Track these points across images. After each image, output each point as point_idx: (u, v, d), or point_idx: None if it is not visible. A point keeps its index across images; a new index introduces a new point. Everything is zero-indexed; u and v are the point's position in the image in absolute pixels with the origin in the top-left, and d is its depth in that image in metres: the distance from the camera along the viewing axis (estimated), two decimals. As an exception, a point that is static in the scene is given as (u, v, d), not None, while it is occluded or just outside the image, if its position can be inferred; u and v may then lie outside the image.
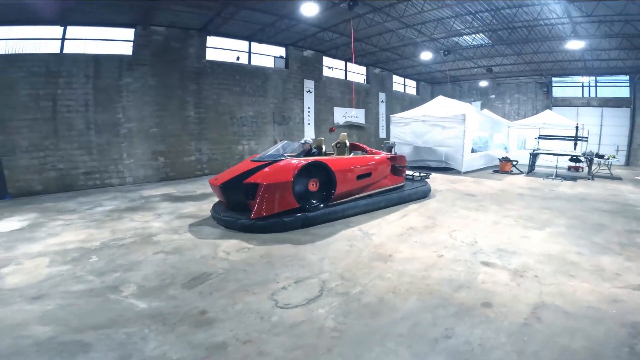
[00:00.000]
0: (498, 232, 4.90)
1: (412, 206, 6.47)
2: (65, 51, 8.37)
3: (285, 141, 6.39)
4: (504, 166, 11.30)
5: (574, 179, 10.05)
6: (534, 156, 10.99)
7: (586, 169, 10.64)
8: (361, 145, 7.23)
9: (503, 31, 10.28)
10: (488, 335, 2.38)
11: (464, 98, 18.32)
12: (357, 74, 15.99)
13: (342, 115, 14.76)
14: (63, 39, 8.41)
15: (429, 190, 7.38)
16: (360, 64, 15.60)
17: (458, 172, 10.78)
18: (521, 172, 11.12)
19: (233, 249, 4.12)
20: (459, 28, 10.32)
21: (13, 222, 5.42)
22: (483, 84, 17.62)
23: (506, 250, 4.16)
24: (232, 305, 2.77)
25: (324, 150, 6.67)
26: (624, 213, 6.21)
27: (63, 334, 2.39)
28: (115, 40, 9.06)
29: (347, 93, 15.24)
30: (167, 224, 5.22)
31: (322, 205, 5.12)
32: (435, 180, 9.26)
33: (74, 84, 8.37)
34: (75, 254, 3.97)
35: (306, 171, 4.99)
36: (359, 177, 5.90)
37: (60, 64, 8.21)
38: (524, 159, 11.49)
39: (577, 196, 7.67)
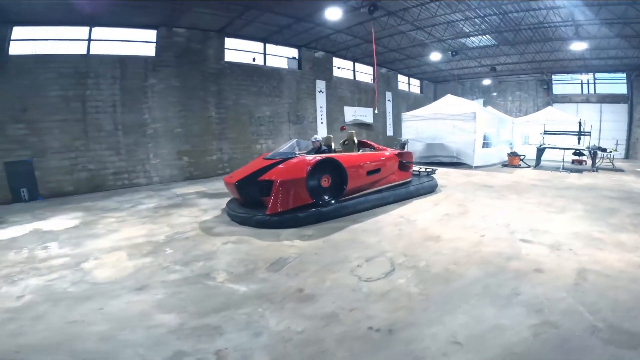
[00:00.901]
0: (525, 216, 5.47)
1: (439, 196, 7.04)
2: (91, 52, 8.66)
3: (296, 139, 6.61)
4: (513, 160, 11.98)
5: (579, 171, 10.75)
6: (540, 151, 11.68)
7: (589, 162, 11.37)
8: (369, 142, 7.48)
9: (509, 33, 10.98)
10: (549, 292, 2.92)
11: (466, 96, 19.02)
12: (364, 73, 16.57)
13: (352, 114, 15.32)
14: (89, 39, 8.67)
15: (436, 185, 7.60)
16: (367, 64, 16.19)
17: (469, 167, 11.41)
18: (529, 166, 11.81)
19: (293, 237, 4.56)
20: (467, 30, 10.98)
21: (63, 221, 5.72)
22: (486, 82, 18.39)
23: (537, 230, 4.73)
24: (321, 282, 3.21)
25: (333, 147, 6.88)
26: (631, 200, 6.84)
27: (189, 320, 2.55)
28: (137, 42, 9.37)
29: (356, 92, 15.82)
30: (218, 218, 5.63)
31: (333, 201, 5.30)
32: (451, 174, 9.86)
33: (101, 85, 8.69)
34: (149, 247, 4.25)
35: (319, 168, 5.16)
36: (369, 173, 6.10)
37: (88, 65, 8.52)
38: (527, 154, 12.20)
39: (585, 186, 8.32)
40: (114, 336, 2.35)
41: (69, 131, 8.34)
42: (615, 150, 11.74)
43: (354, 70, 15.82)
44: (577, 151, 11.38)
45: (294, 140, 6.45)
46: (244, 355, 2.09)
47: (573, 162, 12.62)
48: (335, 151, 6.75)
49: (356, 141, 6.99)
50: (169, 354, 2.14)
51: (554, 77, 16.41)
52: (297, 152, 5.86)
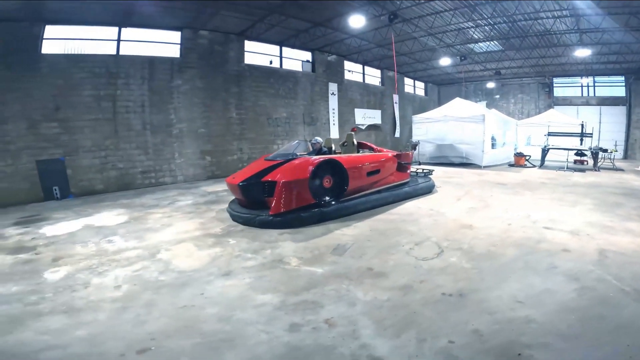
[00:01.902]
0: (542, 209, 6.09)
1: (459, 192, 7.63)
2: (121, 52, 9.02)
3: (297, 141, 6.82)
4: (519, 160, 12.68)
5: (582, 170, 11.47)
6: (545, 151, 12.40)
7: (591, 162, 12.12)
8: (368, 144, 7.68)
9: (515, 39, 11.71)
10: (579, 265, 3.49)
11: (469, 98, 19.75)
12: (373, 76, 17.21)
13: (361, 116, 15.92)
14: (119, 40, 9.04)
15: (433, 185, 7.83)
16: (376, 67, 16.85)
17: (478, 167, 12.07)
18: (534, 166, 12.51)
19: (340, 227, 5.08)
20: (476, 36, 11.67)
21: (110, 217, 6.06)
22: (490, 85, 19.18)
23: (556, 220, 5.33)
24: (384, 262, 3.72)
25: (333, 149, 6.97)
26: (634, 195, 7.51)
27: (286, 298, 2.88)
28: (163, 43, 9.75)
29: (365, 95, 16.45)
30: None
31: (334, 202, 5.45)
32: (464, 174, 10.51)
33: (131, 85, 9.10)
34: (211, 239, 4.58)
35: (321, 168, 5.29)
36: (369, 173, 6.25)
37: (119, 66, 8.91)
38: (532, 155, 12.93)
39: (590, 184, 9.00)
40: (230, 316, 2.61)
41: (100, 130, 8.73)
42: (616, 151, 12.51)
43: (363, 74, 16.45)
44: (579, 152, 12.13)
45: (295, 142, 6.58)
46: (350, 321, 2.54)
47: (575, 162, 13.37)
48: (335, 153, 6.84)
49: (355, 142, 7.21)
50: (286, 327, 2.46)
51: (555, 80, 17.27)
52: (298, 154, 5.96)
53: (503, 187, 8.52)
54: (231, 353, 2.08)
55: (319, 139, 6.70)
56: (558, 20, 9.51)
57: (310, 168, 5.15)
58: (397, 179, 7.06)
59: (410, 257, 3.83)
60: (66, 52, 8.47)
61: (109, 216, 6.17)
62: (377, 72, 17.44)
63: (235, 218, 5.41)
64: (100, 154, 8.76)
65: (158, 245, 4.36)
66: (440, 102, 21.83)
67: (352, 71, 15.73)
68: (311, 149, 6.44)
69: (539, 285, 3.05)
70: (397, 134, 18.49)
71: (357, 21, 9.36)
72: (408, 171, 7.58)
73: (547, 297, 2.83)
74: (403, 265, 3.61)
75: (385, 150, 7.48)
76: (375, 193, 6.31)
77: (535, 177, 10.08)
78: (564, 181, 9.42)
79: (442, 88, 22.04)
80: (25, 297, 2.94)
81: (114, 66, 8.86)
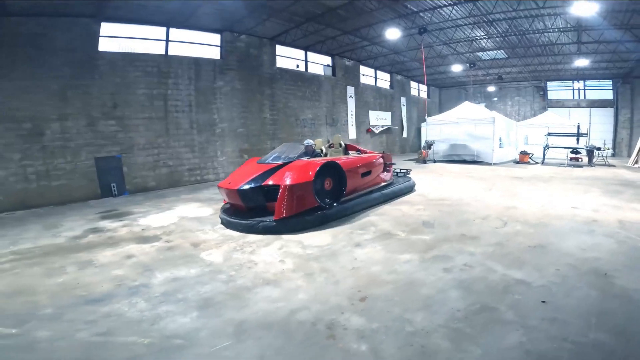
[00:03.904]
0: (561, 195, 7.37)
1: (487, 184, 8.88)
2: (169, 53, 9.66)
3: (289, 143, 6.80)
4: (523, 158, 14.18)
5: (580, 166, 13.04)
6: (545, 149, 13.95)
7: (585, 160, 13.73)
8: (355, 145, 7.91)
9: (520, 49, 13.21)
10: (609, 229, 4.71)
11: (469, 100, 21.38)
12: (383, 80, 18.48)
13: (375, 117, 17.14)
14: (167, 40, 9.68)
15: (414, 184, 8.20)
16: (387, 71, 18.13)
17: (488, 164, 13.46)
18: (536, 163, 14.03)
19: (411, 210, 6.19)
20: (487, 46, 13.09)
21: (193, 209, 6.70)
22: (491, 89, 20.86)
23: (576, 202, 6.58)
24: (469, 230, 4.81)
25: (324, 151, 6.98)
26: (630, 185, 8.95)
27: (421, 255, 3.82)
28: (204, 44, 10.46)
29: (377, 98, 17.68)
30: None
31: (335, 203, 5.57)
32: (479, 170, 11.84)
33: (180, 85, 9.83)
34: None
35: (322, 171, 5.29)
36: (363, 175, 6.48)
37: (169, 66, 9.61)
38: (533, 153, 14.50)
39: (591, 177, 10.46)
40: (394, 270, 3.46)
41: (153, 129, 9.42)
42: (609, 149, 14.21)
43: (375, 77, 17.68)
44: (575, 150, 13.72)
45: (288, 144, 6.57)
46: (480, 264, 3.58)
47: (571, 159, 15.02)
48: (326, 155, 6.88)
49: (343, 145, 7.38)
50: (440, 270, 3.41)
51: (549, 83, 19.09)
52: (294, 156, 5.86)
53: (519, 180, 9.84)
54: (423, 289, 3.06)
55: (311, 141, 6.71)
56: (562, 33, 11.01)
57: (314, 171, 5.12)
58: (383, 180, 7.30)
59: (486, 227, 4.98)
60: (121, 51, 8.98)
61: (190, 209, 6.86)
62: (387, 76, 18.72)
63: (234, 226, 5.08)
64: (153, 151, 9.46)
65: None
66: (441, 104, 23.40)
67: (366, 75, 16.92)
68: (304, 151, 6.31)
69: (590, 241, 4.24)
70: (405, 135, 19.82)
71: (390, 33, 10.51)
72: (391, 172, 7.84)
73: (599, 246, 4.03)
74: (485, 232, 4.76)
75: (370, 151, 7.72)
76: (368, 194, 6.52)
77: (543, 172, 11.50)
78: (568, 175, 10.87)
79: (443, 91, 23.62)
80: (215, 277, 3.42)
81: (165, 66, 9.51)
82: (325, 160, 5.59)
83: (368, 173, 6.65)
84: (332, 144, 7.33)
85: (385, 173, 7.41)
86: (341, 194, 5.73)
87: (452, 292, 2.99)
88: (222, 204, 6.15)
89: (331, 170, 5.60)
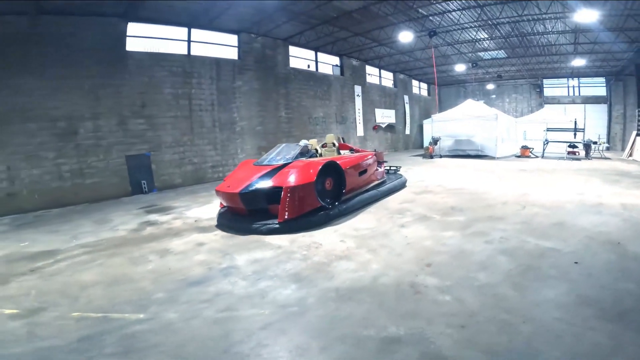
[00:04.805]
0: (566, 184, 8.06)
1: (496, 176, 9.55)
2: (192, 53, 10.04)
3: (285, 144, 6.76)
4: (524, 152, 14.96)
5: (578, 159, 13.86)
6: (545, 144, 14.74)
7: (582, 153, 14.56)
8: (348, 145, 8.05)
9: (520, 49, 13.96)
10: (614, 210, 5.38)
11: (468, 97, 22.15)
12: (387, 79, 19.10)
13: (380, 115, 17.76)
14: (189, 40, 10.04)
15: (405, 180, 8.43)
16: (391, 71, 18.76)
17: (492, 158, 14.20)
18: (536, 157, 14.81)
19: (431, 199, 6.79)
20: (490, 47, 13.80)
21: None
22: (490, 86, 21.67)
23: (582, 189, 7.27)
24: (494, 212, 5.45)
25: (319, 152, 6.99)
26: (626, 175, 9.70)
27: (460, 232, 4.42)
28: (223, 45, 10.86)
29: (382, 96, 18.30)
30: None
31: (337, 203, 5.63)
32: (485, 164, 12.56)
33: (202, 85, 10.26)
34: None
35: (323, 171, 5.31)
36: (360, 174, 6.58)
37: (192, 66, 10.02)
38: (533, 147, 15.30)
39: (589, 168, 11.23)
40: (444, 243, 4.12)
41: (179, 127, 9.84)
42: (605, 143, 15.08)
43: (380, 77, 18.30)
44: (572, 144, 14.53)
45: (283, 145, 6.59)
46: (514, 236, 4.21)
47: (569, 153, 15.87)
48: (321, 155, 6.92)
49: (336, 144, 7.44)
50: (482, 243, 4.03)
51: (545, 81, 19.98)
52: (292, 157, 5.83)
53: (525, 171, 10.55)
54: (474, 256, 3.67)
55: (306, 141, 6.76)
56: (561, 35, 11.77)
57: (315, 171, 5.13)
58: (376, 178, 7.42)
59: (508, 210, 5.63)
60: (147, 51, 9.30)
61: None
62: (390, 75, 19.35)
63: (235, 231, 4.99)
64: (179, 149, 9.88)
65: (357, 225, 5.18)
66: (440, 102, 24.14)
67: (371, 74, 17.52)
68: (300, 151, 6.26)
69: (599, 219, 4.91)
70: (408, 131, 20.50)
71: (403, 36, 11.12)
72: (383, 169, 8.02)
73: (608, 223, 4.70)
74: (509, 214, 5.40)
75: (362, 150, 7.90)
76: (364, 192, 6.59)
77: (545, 165, 12.25)
78: (569, 167, 11.63)
79: (443, 89, 24.37)
80: (290, 257, 3.89)
81: (189, 66, 9.93)
82: (326, 161, 5.61)
83: (364, 172, 6.75)
84: (325, 143, 7.45)
85: (378, 171, 7.54)
86: (341, 194, 5.78)
87: (500, 257, 3.59)
88: (219, 208, 5.89)
89: (331, 170, 5.62)
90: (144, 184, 9.24)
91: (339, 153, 7.20)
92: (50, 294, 3.26)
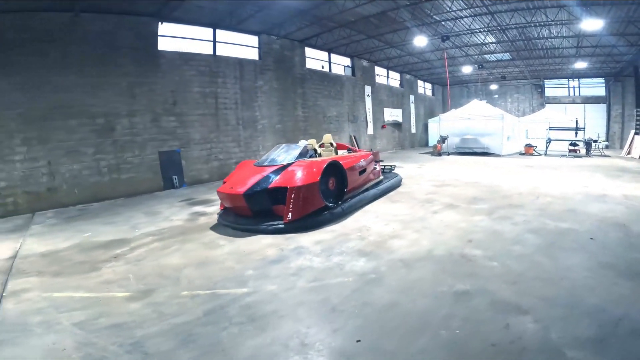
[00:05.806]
0: (572, 179, 8.78)
1: (503, 172, 10.24)
2: (217, 53, 10.49)
3: (285, 144, 6.82)
4: (528, 150, 15.71)
5: (579, 157, 14.64)
6: (548, 142, 15.50)
7: (583, 151, 15.33)
8: (346, 145, 8.20)
9: (525, 51, 14.68)
10: (617, 200, 6.11)
11: (472, 97, 22.90)
12: (394, 79, 19.76)
13: (388, 114, 18.43)
14: (214, 41, 10.51)
15: (401, 179, 8.66)
16: (399, 71, 19.43)
17: (497, 155, 14.92)
18: (540, 154, 15.56)
19: (452, 191, 7.45)
20: (496, 49, 14.51)
21: None
22: (493, 87, 22.43)
23: (585, 183, 7.99)
24: (512, 202, 6.14)
25: (318, 151, 6.99)
26: (626, 171, 10.47)
27: (488, 217, 5.21)
28: (244, 46, 11.31)
29: (390, 96, 18.97)
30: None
31: (340, 202, 5.72)
32: (492, 161, 13.29)
33: (227, 84, 10.78)
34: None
35: (326, 171, 5.37)
36: (360, 173, 6.71)
37: (218, 66, 10.52)
38: (537, 145, 16.06)
39: (592, 165, 11.98)
40: (475, 224, 4.94)
41: (206, 125, 10.37)
42: (604, 141, 15.88)
43: (388, 77, 18.96)
44: (573, 142, 15.30)
45: (283, 145, 6.63)
46: (535, 219, 4.94)
47: (570, 151, 16.64)
48: (320, 155, 6.95)
49: (334, 144, 7.57)
50: (509, 225, 4.84)
51: (546, 81, 20.78)
52: (293, 158, 5.89)
53: (531, 168, 11.28)
54: (505, 235, 4.33)
55: (305, 141, 6.77)
56: (565, 39, 12.50)
57: (319, 171, 5.19)
58: (374, 177, 7.59)
59: (524, 199, 6.35)
60: (177, 50, 9.69)
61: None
62: (397, 76, 20.02)
63: (242, 230, 5.00)
64: (206, 146, 10.43)
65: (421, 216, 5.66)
66: (444, 102, 24.87)
67: (380, 75, 18.16)
68: (301, 152, 6.28)
69: (605, 207, 5.64)
70: (414, 130, 21.19)
71: (418, 41, 11.78)
72: (379, 169, 8.15)
73: (613, 210, 5.42)
74: (526, 202, 6.12)
75: (359, 150, 7.97)
76: (364, 191, 6.73)
77: (549, 162, 13.00)
78: (572, 164, 12.38)
79: (446, 89, 25.07)
80: (348, 237, 4.45)
81: (215, 65, 10.43)
82: (329, 161, 5.66)
83: (364, 171, 6.91)
84: (323, 143, 7.54)
85: (375, 170, 7.73)
86: (343, 193, 5.88)
87: (527, 235, 4.28)
88: (220, 209, 5.95)
89: (334, 170, 5.72)
90: (175, 179, 9.77)
91: (337, 153, 7.39)
92: (148, 277, 3.47)
